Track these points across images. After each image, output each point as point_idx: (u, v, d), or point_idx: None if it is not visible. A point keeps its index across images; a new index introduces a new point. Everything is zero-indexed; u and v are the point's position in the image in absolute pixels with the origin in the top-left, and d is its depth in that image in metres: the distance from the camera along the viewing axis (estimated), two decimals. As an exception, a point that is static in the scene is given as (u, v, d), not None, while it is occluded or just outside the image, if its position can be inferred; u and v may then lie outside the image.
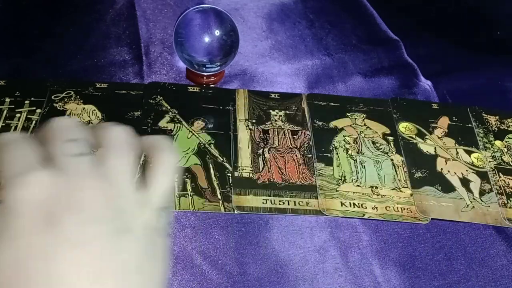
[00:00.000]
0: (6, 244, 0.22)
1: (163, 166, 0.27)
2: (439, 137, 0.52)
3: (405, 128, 0.52)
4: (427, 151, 0.50)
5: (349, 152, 0.49)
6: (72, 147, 0.25)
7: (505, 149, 0.52)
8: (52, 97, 0.49)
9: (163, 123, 0.49)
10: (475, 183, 0.48)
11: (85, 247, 0.22)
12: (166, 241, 0.27)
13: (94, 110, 0.49)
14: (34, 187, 0.23)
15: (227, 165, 0.46)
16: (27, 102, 0.49)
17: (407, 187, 0.47)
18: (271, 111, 0.52)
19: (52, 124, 0.26)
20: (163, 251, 0.26)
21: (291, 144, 0.49)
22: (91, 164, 0.25)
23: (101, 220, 0.23)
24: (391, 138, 0.51)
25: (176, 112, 0.50)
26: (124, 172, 0.26)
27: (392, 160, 0.49)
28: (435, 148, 0.51)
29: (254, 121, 0.50)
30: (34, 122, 0.47)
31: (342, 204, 0.45)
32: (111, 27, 0.58)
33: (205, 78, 0.53)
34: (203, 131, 0.49)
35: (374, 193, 0.46)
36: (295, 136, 0.50)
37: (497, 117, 0.55)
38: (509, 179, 0.49)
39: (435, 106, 0.55)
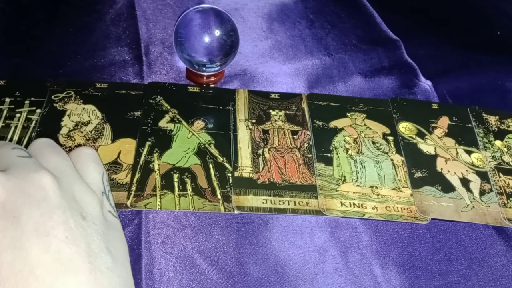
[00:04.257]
0: None
1: (85, 159, 0.31)
2: (439, 137, 0.52)
3: (405, 128, 0.52)
4: (427, 151, 0.50)
5: (349, 152, 0.49)
6: (19, 151, 0.28)
7: (505, 149, 0.52)
8: (52, 97, 0.49)
9: (163, 123, 0.49)
10: (475, 183, 0.48)
11: (52, 235, 0.23)
12: (119, 222, 0.30)
13: (94, 110, 0.49)
14: None
15: (227, 165, 0.46)
16: (27, 102, 0.49)
17: (407, 187, 0.47)
18: (271, 111, 0.52)
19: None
20: (120, 231, 0.29)
21: (291, 144, 0.49)
22: (37, 163, 0.27)
23: (61, 208, 0.25)
24: (391, 138, 0.51)
25: (176, 112, 0.50)
26: (67, 166, 0.29)
27: (392, 160, 0.49)
28: (435, 148, 0.51)
29: (254, 121, 0.50)
30: (34, 122, 0.47)
31: (342, 204, 0.45)
32: (111, 27, 0.58)
33: (205, 78, 0.53)
34: (203, 131, 0.49)
35: (374, 193, 0.46)
36: (295, 136, 0.50)
37: (497, 117, 0.55)
38: (509, 179, 0.49)
39: (435, 106, 0.55)
